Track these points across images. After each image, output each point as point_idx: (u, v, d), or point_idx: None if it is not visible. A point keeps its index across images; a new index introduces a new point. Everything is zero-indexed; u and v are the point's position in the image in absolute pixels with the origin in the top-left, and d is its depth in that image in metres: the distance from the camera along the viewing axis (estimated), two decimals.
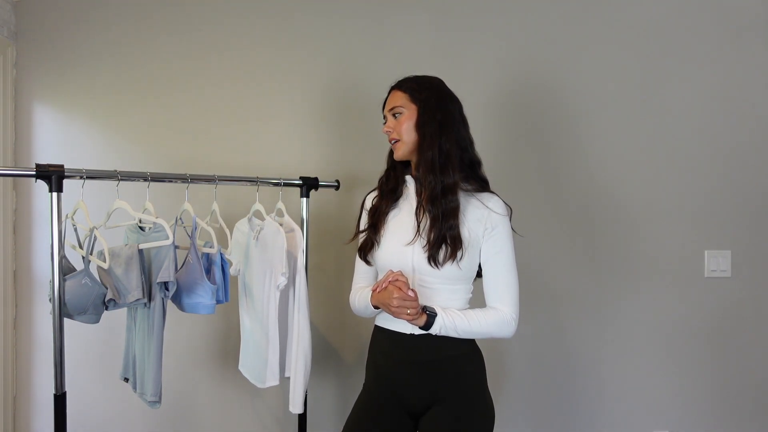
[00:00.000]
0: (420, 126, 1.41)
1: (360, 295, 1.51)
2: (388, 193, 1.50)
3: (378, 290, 1.37)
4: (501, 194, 1.46)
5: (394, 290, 1.31)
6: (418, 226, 1.40)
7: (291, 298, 1.71)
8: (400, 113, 1.44)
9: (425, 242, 1.38)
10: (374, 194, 1.56)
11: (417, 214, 1.41)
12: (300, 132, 2.19)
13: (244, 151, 2.19)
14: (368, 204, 1.56)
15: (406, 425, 1.43)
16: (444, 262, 1.36)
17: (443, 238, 1.36)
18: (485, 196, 1.43)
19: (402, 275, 1.33)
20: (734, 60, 2.12)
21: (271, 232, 1.68)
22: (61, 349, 1.43)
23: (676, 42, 2.13)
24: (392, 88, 1.49)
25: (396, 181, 1.51)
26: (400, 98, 1.45)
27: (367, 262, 1.50)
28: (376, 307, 1.43)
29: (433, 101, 1.43)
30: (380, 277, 1.48)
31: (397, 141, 1.45)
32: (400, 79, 1.50)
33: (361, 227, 1.55)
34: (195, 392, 2.20)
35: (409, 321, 1.33)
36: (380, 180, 1.54)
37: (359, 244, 1.53)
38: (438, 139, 1.39)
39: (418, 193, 1.43)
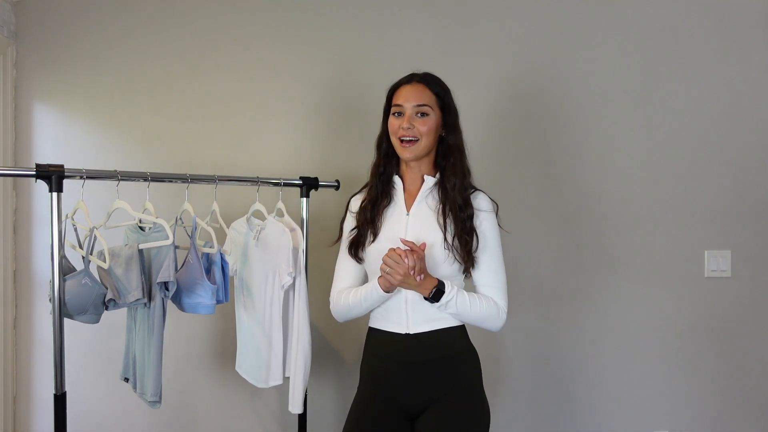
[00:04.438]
0: (453, 133, 1.44)
1: (347, 294, 1.47)
2: (384, 184, 1.49)
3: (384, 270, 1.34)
4: (503, 193, 1.48)
5: (393, 254, 1.31)
6: (444, 231, 1.40)
7: (291, 298, 1.71)
8: (427, 114, 1.41)
9: (453, 249, 1.39)
10: (360, 196, 1.55)
11: (440, 220, 1.41)
12: (300, 132, 2.19)
13: (244, 151, 2.19)
14: (353, 206, 1.55)
15: (403, 427, 1.42)
16: (472, 265, 1.40)
17: (470, 246, 1.39)
18: (472, 195, 1.45)
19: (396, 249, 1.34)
20: (736, 60, 2.12)
21: (275, 233, 1.68)
22: (61, 349, 1.43)
23: (677, 43, 2.13)
24: (415, 80, 1.44)
25: (389, 174, 1.50)
26: (428, 97, 1.42)
27: (359, 260, 1.49)
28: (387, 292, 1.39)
29: (453, 108, 1.46)
30: (369, 278, 1.49)
31: (415, 140, 1.41)
32: (417, 71, 1.47)
33: (347, 227, 1.54)
34: (195, 392, 2.20)
35: (416, 286, 1.33)
36: (375, 170, 1.51)
37: (349, 242, 1.50)
38: (463, 146, 1.46)
39: (441, 199, 1.43)
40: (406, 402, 1.42)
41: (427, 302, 1.39)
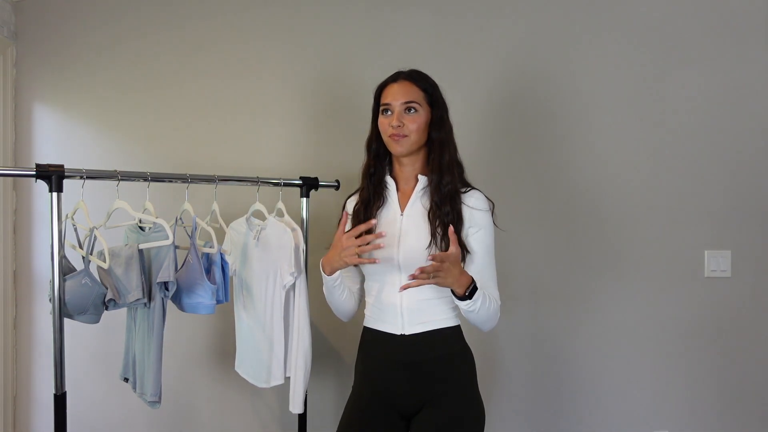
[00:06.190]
0: (438, 128, 1.43)
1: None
2: (376, 186, 1.48)
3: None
4: (501, 192, 1.47)
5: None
6: (434, 229, 1.39)
7: (291, 298, 1.71)
8: (416, 110, 1.41)
9: (439, 243, 1.38)
10: (355, 197, 1.55)
11: (431, 218, 1.40)
12: (300, 132, 2.19)
13: (244, 151, 2.19)
14: (349, 207, 1.55)
15: (397, 427, 1.42)
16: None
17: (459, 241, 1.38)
18: (467, 194, 1.45)
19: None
20: (735, 60, 2.12)
21: (277, 233, 1.68)
22: (61, 349, 1.43)
23: (677, 42, 2.13)
24: (401, 78, 1.44)
25: (381, 175, 1.49)
26: (416, 93, 1.42)
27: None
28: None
29: (441, 103, 1.46)
30: (367, 278, 1.49)
31: (404, 136, 1.41)
32: (403, 69, 1.47)
33: (345, 230, 1.53)
34: (195, 392, 2.20)
35: (456, 278, 1.28)
36: (366, 171, 1.51)
37: None
38: (453, 141, 1.46)
39: (431, 194, 1.42)
40: (400, 402, 1.42)
41: (423, 303, 1.39)
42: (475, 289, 1.31)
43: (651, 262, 2.12)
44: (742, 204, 2.12)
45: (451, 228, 1.30)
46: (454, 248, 1.27)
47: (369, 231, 1.40)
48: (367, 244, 1.33)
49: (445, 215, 1.39)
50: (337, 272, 1.42)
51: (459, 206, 1.41)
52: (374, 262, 1.34)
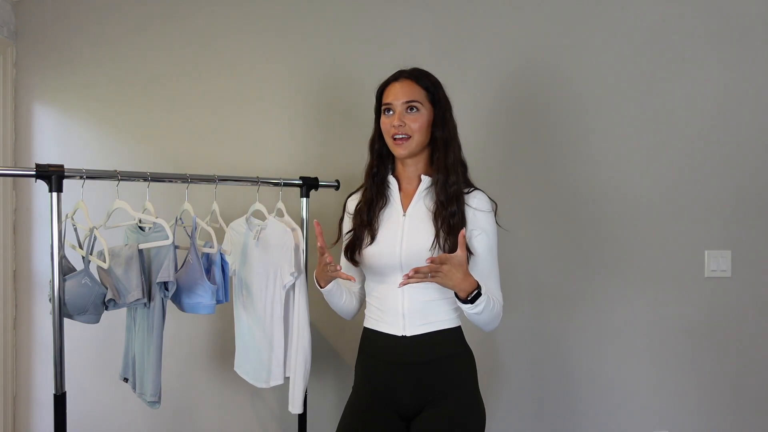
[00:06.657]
0: (441, 127, 1.42)
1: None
2: (379, 186, 1.48)
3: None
4: (502, 192, 1.47)
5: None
6: (438, 230, 1.38)
7: (291, 298, 1.71)
8: (417, 109, 1.39)
9: (443, 249, 1.37)
10: (356, 197, 1.54)
11: (435, 218, 1.40)
12: (300, 132, 2.19)
13: (244, 151, 2.19)
14: (350, 207, 1.54)
15: (397, 428, 1.41)
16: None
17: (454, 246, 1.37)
18: (470, 195, 1.44)
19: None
20: (735, 60, 2.12)
21: (277, 233, 1.68)
22: (61, 349, 1.43)
23: (677, 42, 2.13)
24: (403, 77, 1.43)
25: (383, 175, 1.49)
26: (417, 92, 1.40)
27: (354, 263, 1.48)
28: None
29: (444, 101, 1.45)
30: (368, 278, 1.49)
31: (407, 137, 1.40)
32: (404, 68, 1.46)
33: (345, 228, 1.53)
34: (195, 392, 2.20)
35: (459, 282, 1.27)
36: (369, 171, 1.50)
37: (345, 245, 1.50)
38: (457, 139, 1.45)
39: (437, 194, 1.41)
40: (401, 403, 1.41)
41: (424, 305, 1.39)
42: (479, 294, 1.30)
43: (651, 262, 2.12)
44: (742, 204, 2.12)
45: (462, 231, 1.29)
46: (460, 251, 1.27)
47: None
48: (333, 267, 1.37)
49: (451, 216, 1.38)
50: (332, 282, 1.44)
51: (464, 207, 1.41)
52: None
